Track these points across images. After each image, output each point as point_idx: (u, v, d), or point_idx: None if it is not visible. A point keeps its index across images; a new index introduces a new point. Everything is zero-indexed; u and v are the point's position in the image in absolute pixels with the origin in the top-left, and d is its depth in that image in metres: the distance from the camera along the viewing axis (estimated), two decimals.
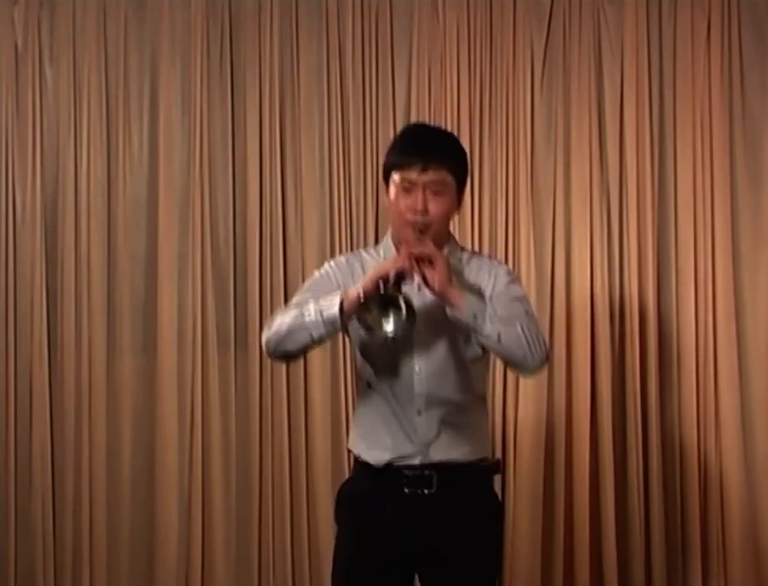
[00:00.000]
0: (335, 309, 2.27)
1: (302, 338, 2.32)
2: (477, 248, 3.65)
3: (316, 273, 2.52)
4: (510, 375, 3.62)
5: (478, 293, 2.39)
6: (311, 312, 2.31)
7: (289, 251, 3.66)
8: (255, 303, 3.65)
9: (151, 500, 3.69)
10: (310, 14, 3.69)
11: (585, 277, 3.65)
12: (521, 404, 3.62)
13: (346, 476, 2.88)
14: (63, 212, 3.70)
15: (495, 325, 2.29)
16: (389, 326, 2.24)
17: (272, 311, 3.33)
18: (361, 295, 2.24)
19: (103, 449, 3.68)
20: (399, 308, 2.23)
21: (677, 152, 3.66)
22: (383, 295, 2.24)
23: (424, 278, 2.26)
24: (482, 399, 2.55)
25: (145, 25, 3.72)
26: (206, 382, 3.68)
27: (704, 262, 3.64)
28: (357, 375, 2.57)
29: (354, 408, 2.60)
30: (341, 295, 2.29)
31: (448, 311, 2.30)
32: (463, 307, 2.27)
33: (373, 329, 2.25)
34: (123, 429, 3.70)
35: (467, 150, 3.55)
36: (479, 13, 3.67)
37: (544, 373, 3.61)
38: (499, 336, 2.29)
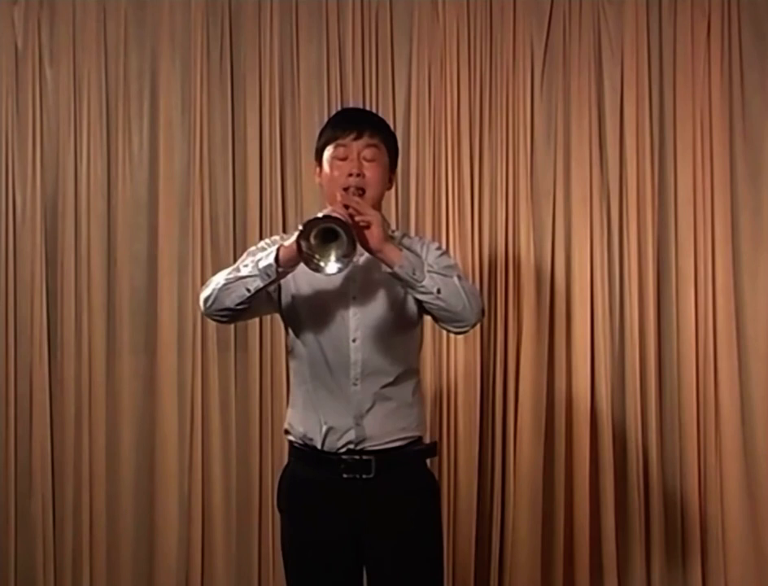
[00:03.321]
0: (271, 259, 2.30)
1: (239, 292, 2.34)
2: (477, 248, 3.66)
3: (252, 248, 2.56)
4: (510, 376, 3.63)
5: (414, 252, 2.43)
6: (247, 265, 2.36)
7: None
8: None
9: (151, 500, 3.69)
10: (310, 14, 3.69)
11: (585, 277, 3.65)
12: (521, 404, 3.62)
13: None
14: (63, 212, 3.70)
15: (434, 277, 2.34)
16: (332, 260, 2.24)
17: None
18: (299, 225, 2.24)
19: (103, 449, 3.68)
20: (338, 236, 2.23)
21: (677, 152, 3.67)
22: (322, 224, 2.23)
23: (360, 237, 2.27)
24: (416, 373, 2.57)
25: (145, 25, 3.72)
26: (206, 382, 3.68)
27: (704, 262, 3.64)
28: (290, 354, 2.56)
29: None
30: (277, 246, 2.32)
31: (386, 269, 2.34)
32: (401, 262, 2.31)
33: (318, 263, 2.24)
34: (123, 429, 3.70)
35: (467, 149, 3.63)
36: (479, 13, 3.67)
37: (544, 374, 3.62)
38: (438, 289, 2.34)
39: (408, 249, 2.43)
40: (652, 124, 3.66)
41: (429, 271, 2.34)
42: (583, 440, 3.61)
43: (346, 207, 2.31)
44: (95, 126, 3.70)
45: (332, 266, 2.25)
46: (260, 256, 2.35)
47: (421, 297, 2.36)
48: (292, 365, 2.57)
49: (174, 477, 3.68)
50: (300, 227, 2.24)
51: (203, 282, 3.64)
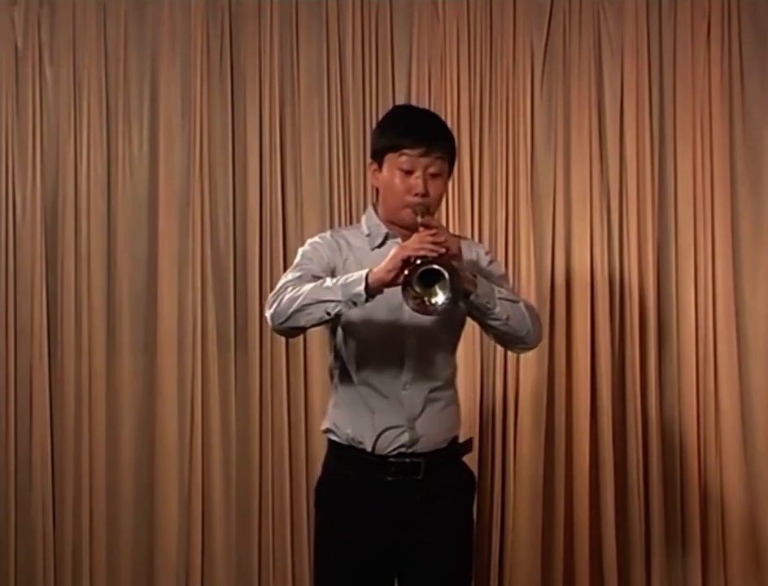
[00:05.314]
0: (361, 287, 2.24)
1: (317, 314, 2.28)
2: None
3: (306, 247, 2.50)
4: (510, 370, 3.63)
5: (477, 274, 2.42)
6: (331, 288, 2.28)
7: (289, 251, 3.65)
8: (255, 303, 3.65)
9: (151, 500, 3.69)
10: (310, 14, 3.69)
11: (585, 278, 3.64)
12: (521, 403, 3.62)
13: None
14: (63, 212, 3.70)
15: (504, 304, 2.37)
16: (440, 297, 2.22)
17: None
18: (405, 273, 2.19)
19: (103, 449, 3.68)
20: (442, 278, 2.21)
21: (677, 152, 3.66)
22: (424, 270, 2.20)
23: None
24: (455, 376, 2.58)
25: (145, 25, 3.72)
26: (206, 382, 3.68)
27: (704, 262, 3.64)
28: (336, 357, 2.52)
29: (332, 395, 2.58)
30: (365, 273, 2.26)
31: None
32: (476, 292, 2.32)
33: (428, 303, 2.22)
34: (123, 429, 3.70)
35: (467, 149, 3.64)
36: (479, 13, 3.67)
37: (544, 374, 3.62)
38: (507, 316, 2.37)
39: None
40: (652, 125, 3.66)
41: (499, 298, 2.35)
42: (583, 440, 3.61)
43: (426, 227, 2.29)
44: (95, 126, 3.70)
45: (441, 298, 2.22)
46: (342, 280, 2.28)
47: (489, 322, 2.38)
48: (335, 365, 2.53)
49: (174, 477, 3.68)
50: (406, 273, 2.20)
51: (203, 282, 3.68)
